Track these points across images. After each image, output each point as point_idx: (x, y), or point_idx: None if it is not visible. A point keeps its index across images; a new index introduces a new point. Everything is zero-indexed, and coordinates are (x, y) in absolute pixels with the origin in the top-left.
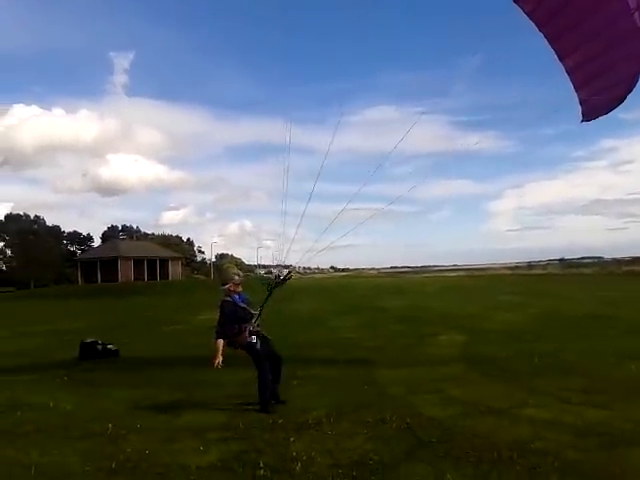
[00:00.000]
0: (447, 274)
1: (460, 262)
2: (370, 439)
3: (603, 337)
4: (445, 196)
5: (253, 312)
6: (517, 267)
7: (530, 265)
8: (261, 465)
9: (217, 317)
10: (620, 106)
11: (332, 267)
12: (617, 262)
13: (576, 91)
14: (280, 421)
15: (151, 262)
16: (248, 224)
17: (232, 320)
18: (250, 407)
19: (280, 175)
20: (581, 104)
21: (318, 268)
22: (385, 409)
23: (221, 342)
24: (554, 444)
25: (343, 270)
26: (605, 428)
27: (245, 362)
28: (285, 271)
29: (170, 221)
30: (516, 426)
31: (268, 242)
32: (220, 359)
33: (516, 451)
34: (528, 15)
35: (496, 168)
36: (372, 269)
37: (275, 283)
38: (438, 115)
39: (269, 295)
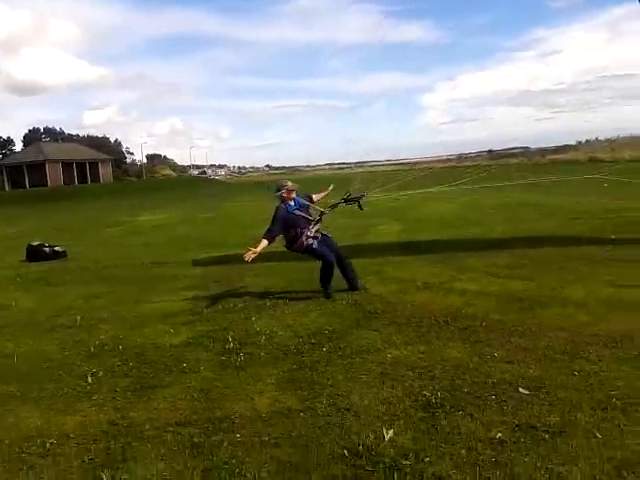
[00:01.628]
0: (382, 169)
1: (394, 157)
2: (323, 314)
3: (527, 221)
4: (378, 90)
5: (310, 218)
6: (448, 160)
7: (460, 157)
8: (229, 339)
9: (161, 217)
10: None
11: (267, 165)
12: (542, 152)
13: None
14: (240, 305)
15: (80, 165)
16: (178, 122)
17: (282, 226)
18: (208, 294)
19: (209, 70)
20: None
21: (253, 167)
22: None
23: (265, 243)
24: (482, 309)
25: (278, 169)
26: (525, 295)
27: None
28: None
29: (94, 121)
30: (449, 297)
31: (199, 142)
32: (252, 254)
33: (450, 316)
34: None
35: (429, 59)
36: (307, 166)
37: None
38: (370, 4)
39: (336, 205)
